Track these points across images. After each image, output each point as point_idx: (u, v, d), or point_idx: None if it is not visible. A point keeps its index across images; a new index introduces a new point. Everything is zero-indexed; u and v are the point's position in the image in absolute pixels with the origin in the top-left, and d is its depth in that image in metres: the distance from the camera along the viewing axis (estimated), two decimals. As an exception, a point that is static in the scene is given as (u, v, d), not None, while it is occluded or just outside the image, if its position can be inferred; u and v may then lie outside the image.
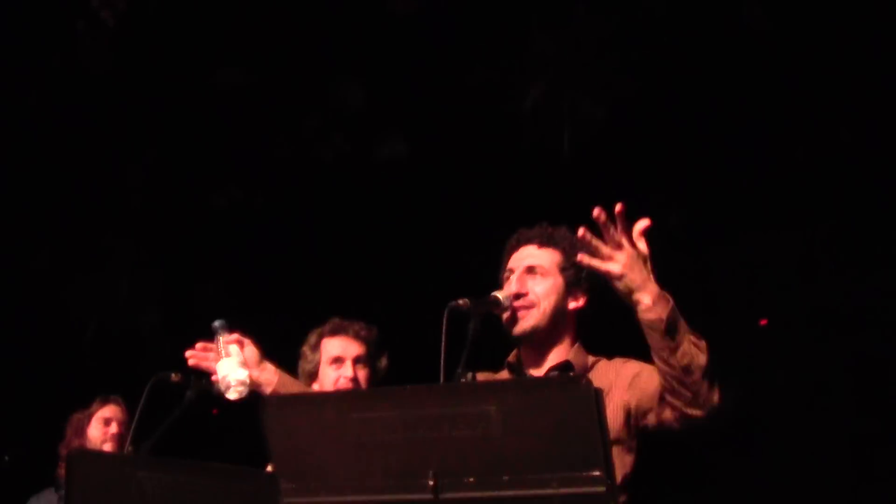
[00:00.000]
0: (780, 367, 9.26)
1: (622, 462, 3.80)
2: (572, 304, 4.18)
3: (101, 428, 6.78)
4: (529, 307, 4.08)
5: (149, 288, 10.35)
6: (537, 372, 3.99)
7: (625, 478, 3.81)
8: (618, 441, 3.73)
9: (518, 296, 4.08)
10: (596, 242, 3.55)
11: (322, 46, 8.69)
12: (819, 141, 8.17)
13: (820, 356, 9.10)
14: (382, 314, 10.22)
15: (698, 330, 3.69)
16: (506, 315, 4.07)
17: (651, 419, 3.82)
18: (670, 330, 3.53)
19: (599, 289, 3.98)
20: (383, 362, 5.28)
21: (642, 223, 3.62)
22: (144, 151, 9.55)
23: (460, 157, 8.78)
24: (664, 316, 3.52)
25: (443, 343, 3.68)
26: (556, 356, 4.03)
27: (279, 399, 2.84)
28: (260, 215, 9.71)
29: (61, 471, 6.58)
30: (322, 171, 9.25)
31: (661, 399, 3.70)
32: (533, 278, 4.17)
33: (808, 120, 8.10)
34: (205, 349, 4.48)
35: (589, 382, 2.62)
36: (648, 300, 3.54)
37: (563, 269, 4.19)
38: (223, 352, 4.43)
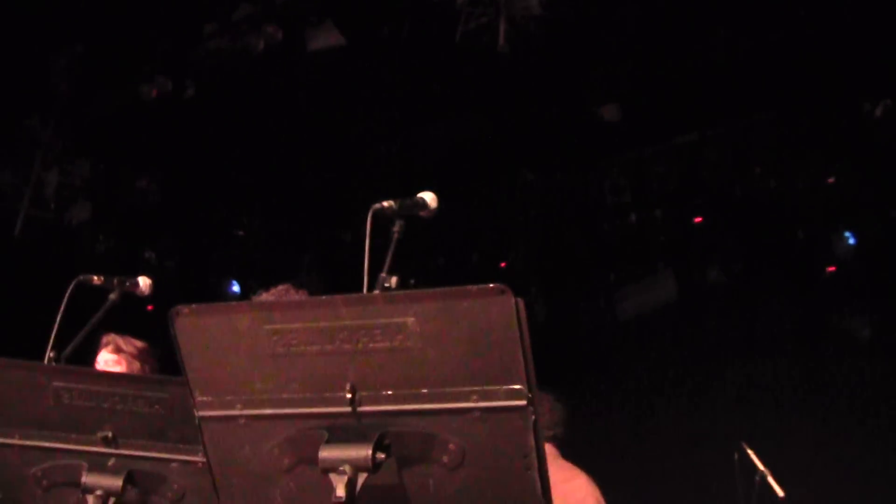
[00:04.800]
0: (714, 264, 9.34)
1: None
2: None
3: None
4: None
5: (78, 181, 10.15)
6: None
7: None
8: None
9: None
10: None
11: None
12: (751, 36, 8.12)
13: (753, 251, 9.18)
14: (311, 207, 10.26)
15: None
16: None
17: None
18: None
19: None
20: None
21: None
22: (71, 41, 9.28)
23: (395, 50, 8.62)
24: None
25: (366, 246, 3.59)
26: None
27: (190, 308, 2.72)
28: (190, 106, 9.51)
29: None
30: (253, 60, 9.05)
31: None
32: None
33: (738, 16, 8.04)
34: None
35: (509, 292, 2.55)
36: None
37: None
38: None
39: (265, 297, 4.74)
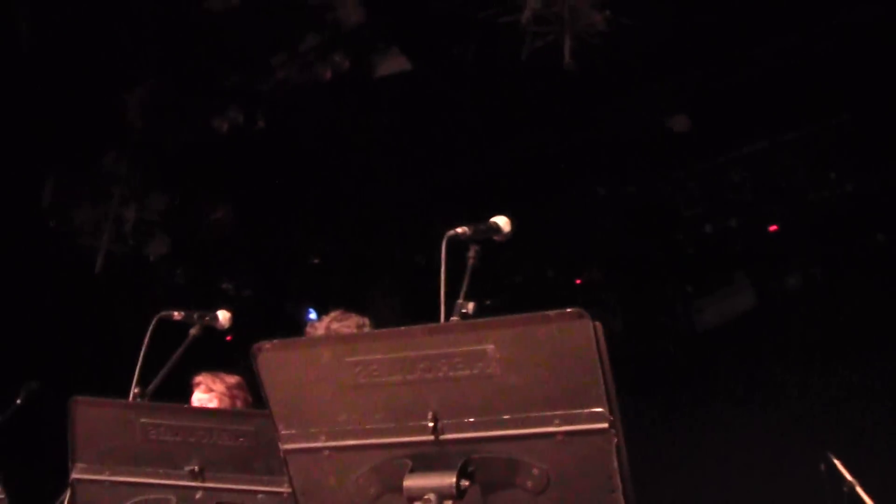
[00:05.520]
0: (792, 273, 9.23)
1: None
2: None
3: None
4: None
5: (155, 215, 10.29)
6: None
7: None
8: None
9: None
10: None
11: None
12: (819, 39, 8.03)
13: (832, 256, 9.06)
14: (385, 232, 10.30)
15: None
16: None
17: None
18: None
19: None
20: None
21: None
22: (143, 78, 9.42)
23: (462, 72, 8.65)
24: None
25: (442, 273, 3.60)
26: None
27: (273, 344, 2.76)
28: (262, 137, 9.61)
29: None
30: (322, 89, 9.13)
31: None
32: None
33: (805, 19, 7.96)
34: None
35: (587, 316, 2.55)
36: None
37: None
38: None
39: (319, 327, 4.79)
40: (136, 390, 4.61)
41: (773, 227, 9.47)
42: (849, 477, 6.94)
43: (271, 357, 2.76)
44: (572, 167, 9.51)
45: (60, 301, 9.92)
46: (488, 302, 10.36)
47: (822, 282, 9.42)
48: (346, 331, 4.63)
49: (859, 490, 6.86)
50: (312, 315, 11.09)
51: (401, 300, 10.24)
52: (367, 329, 4.69)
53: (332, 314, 4.83)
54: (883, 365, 8.84)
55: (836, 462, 7.04)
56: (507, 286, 10.41)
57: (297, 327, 10.54)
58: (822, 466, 7.08)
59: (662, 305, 10.33)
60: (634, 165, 9.56)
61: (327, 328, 4.71)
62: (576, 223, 10.18)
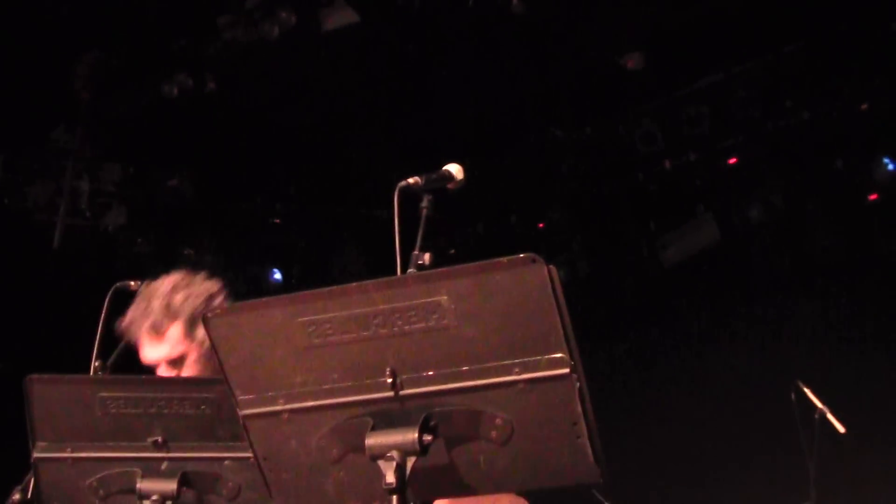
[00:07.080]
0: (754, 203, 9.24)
1: None
2: None
3: None
4: None
5: (111, 186, 10.18)
6: None
7: None
8: None
9: None
10: None
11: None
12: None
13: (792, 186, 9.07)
14: (344, 188, 10.24)
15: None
16: None
17: None
18: None
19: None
20: None
21: None
22: (88, 48, 9.28)
23: (409, 20, 8.55)
24: None
25: (395, 225, 3.55)
26: None
27: (223, 308, 2.71)
28: (213, 100, 9.49)
29: None
30: (270, 47, 9.00)
31: None
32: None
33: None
34: None
35: (540, 260, 2.50)
36: None
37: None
38: None
39: (155, 292, 4.46)
40: (96, 363, 4.55)
41: (732, 160, 9.46)
42: (819, 404, 6.99)
43: (222, 322, 2.71)
44: (527, 112, 9.45)
45: (21, 279, 9.80)
46: (452, 251, 10.35)
47: (783, 211, 9.43)
48: (190, 302, 4.29)
49: (830, 416, 6.91)
50: (277, 275, 11.05)
51: (364, 254, 10.19)
52: (218, 300, 4.32)
53: (174, 276, 4.45)
54: (848, 290, 8.88)
55: (806, 390, 7.09)
56: (469, 235, 10.39)
57: (261, 288, 10.52)
58: (793, 395, 7.13)
59: (627, 245, 10.33)
60: (589, 106, 9.50)
61: (168, 297, 4.34)
62: (535, 168, 10.14)
